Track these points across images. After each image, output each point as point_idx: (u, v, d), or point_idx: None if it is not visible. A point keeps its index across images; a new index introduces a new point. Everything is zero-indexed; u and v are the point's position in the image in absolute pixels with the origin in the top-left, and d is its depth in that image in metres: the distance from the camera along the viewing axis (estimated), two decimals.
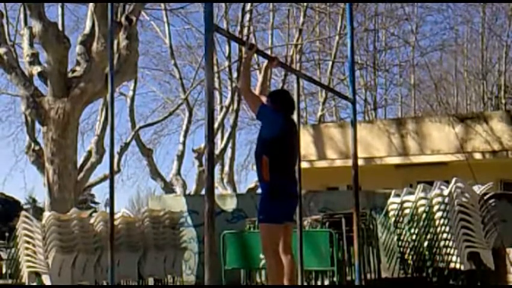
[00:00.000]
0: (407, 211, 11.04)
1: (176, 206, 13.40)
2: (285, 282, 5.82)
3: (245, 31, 22.06)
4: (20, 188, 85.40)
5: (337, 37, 24.43)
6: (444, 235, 10.08)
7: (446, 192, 10.19)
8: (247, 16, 22.20)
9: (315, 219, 10.87)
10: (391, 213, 11.55)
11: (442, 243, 10.14)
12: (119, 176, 24.37)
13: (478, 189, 10.53)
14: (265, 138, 5.89)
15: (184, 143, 22.70)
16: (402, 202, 11.19)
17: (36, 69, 14.67)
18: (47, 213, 11.41)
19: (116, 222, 10.87)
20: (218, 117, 21.79)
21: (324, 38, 26.56)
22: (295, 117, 6.37)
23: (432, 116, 21.65)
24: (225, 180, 23.56)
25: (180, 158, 22.45)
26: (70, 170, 13.83)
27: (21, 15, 17.21)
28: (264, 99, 6.10)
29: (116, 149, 20.19)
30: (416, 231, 10.75)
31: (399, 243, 11.32)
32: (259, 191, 25.78)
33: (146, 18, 23.56)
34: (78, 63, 14.26)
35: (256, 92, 6.22)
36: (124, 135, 24.14)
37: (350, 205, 7.44)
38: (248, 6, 21.98)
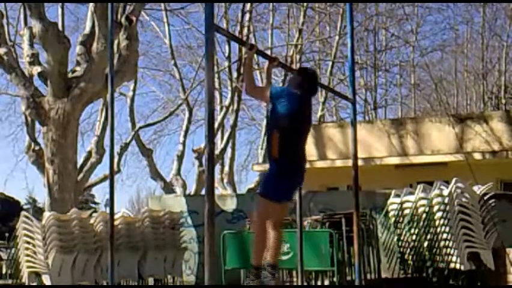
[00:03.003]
0: (407, 211, 11.05)
1: (177, 206, 13.40)
2: (268, 257, 5.71)
3: (245, 31, 22.06)
4: (20, 189, 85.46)
5: (337, 37, 24.43)
6: (444, 235, 10.08)
7: (446, 192, 10.19)
8: (247, 16, 22.20)
9: (315, 220, 10.88)
10: (391, 213, 11.55)
11: (442, 243, 10.14)
12: (119, 176, 24.41)
13: (478, 189, 10.53)
14: (277, 114, 5.78)
15: (184, 143, 22.71)
16: (402, 202, 11.19)
17: (36, 69, 14.67)
18: (47, 214, 11.41)
19: (116, 222, 10.87)
20: (218, 117, 21.79)
21: (324, 38, 26.55)
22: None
23: (432, 116, 21.64)
24: (225, 180, 23.56)
25: (180, 158, 22.45)
26: (70, 170, 13.83)
27: (21, 15, 17.23)
28: None
29: (116, 149, 20.19)
30: (416, 231, 10.75)
31: (399, 243, 11.33)
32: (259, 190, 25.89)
33: (146, 18, 23.58)
34: (78, 63, 14.27)
35: None
36: (124, 135, 24.17)
37: (350, 205, 7.44)
38: (248, 6, 21.97)
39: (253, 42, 21.36)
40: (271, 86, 5.98)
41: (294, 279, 11.16)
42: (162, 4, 22.02)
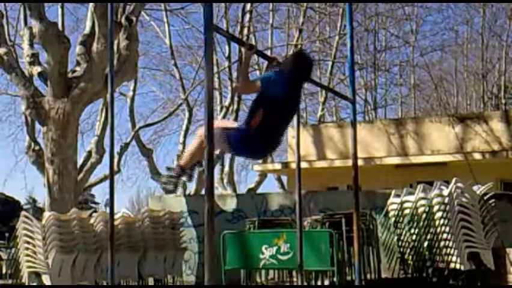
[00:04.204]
0: (407, 211, 11.05)
1: (177, 206, 13.39)
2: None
3: (245, 31, 22.06)
4: (20, 189, 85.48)
5: (337, 37, 24.44)
6: (445, 235, 10.07)
7: (446, 192, 10.19)
8: (247, 16, 22.20)
9: (315, 220, 10.87)
10: (391, 213, 11.55)
11: (442, 243, 10.14)
12: (119, 176, 24.41)
13: (478, 189, 10.53)
14: (267, 94, 5.65)
15: (184, 143, 22.70)
16: (402, 202, 11.19)
17: (36, 69, 14.68)
18: (47, 213, 11.41)
19: (116, 222, 10.88)
20: (218, 117, 21.78)
21: (324, 38, 26.56)
22: (295, 116, 6.34)
23: (432, 116, 21.65)
24: (225, 181, 23.57)
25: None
26: (70, 170, 13.83)
27: (21, 15, 17.22)
28: None
29: (116, 149, 20.20)
30: (416, 231, 10.75)
31: (399, 243, 11.33)
32: (259, 190, 25.84)
33: (146, 18, 23.59)
34: (78, 63, 14.27)
35: None
36: (124, 135, 24.19)
37: (350, 205, 7.44)
38: (248, 6, 21.98)
39: (253, 42, 21.42)
40: (261, 78, 5.90)
41: (294, 279, 11.16)
42: (162, 4, 22.04)
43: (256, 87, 5.74)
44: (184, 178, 5.89)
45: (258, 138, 5.66)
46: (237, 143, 5.68)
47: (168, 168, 6.05)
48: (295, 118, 6.34)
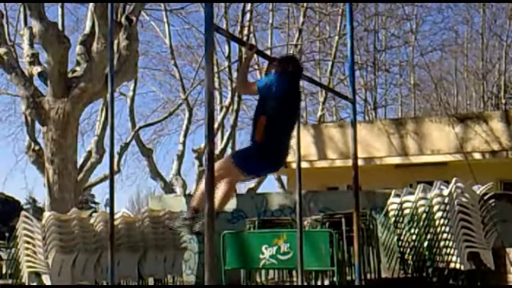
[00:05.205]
0: (407, 211, 11.05)
1: (177, 206, 13.40)
2: (220, 194, 5.66)
3: (245, 31, 22.05)
4: (20, 188, 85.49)
5: (337, 37, 24.43)
6: (445, 235, 10.08)
7: (446, 192, 10.19)
8: (247, 16, 22.19)
9: (315, 219, 10.88)
10: (391, 213, 11.55)
11: (442, 243, 10.14)
12: (119, 176, 24.41)
13: (478, 189, 10.53)
14: (265, 99, 5.70)
15: (184, 143, 22.71)
16: (402, 202, 11.20)
17: (36, 69, 14.67)
18: (47, 213, 11.41)
19: (116, 222, 10.88)
20: (218, 117, 21.79)
21: (324, 38, 26.55)
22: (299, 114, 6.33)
23: (432, 116, 21.64)
24: None
25: (180, 158, 22.45)
26: (70, 170, 13.83)
27: (21, 15, 17.22)
28: None
29: (116, 149, 20.20)
30: (416, 231, 10.76)
31: (399, 243, 11.33)
32: (259, 190, 25.84)
33: (146, 18, 23.58)
34: (78, 63, 14.26)
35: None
36: (124, 135, 24.16)
37: (350, 205, 7.44)
38: (248, 6, 21.97)
39: (253, 42, 21.41)
40: (258, 81, 5.92)
41: (294, 279, 11.16)
42: (162, 4, 22.03)
43: (254, 89, 5.76)
44: (198, 222, 5.65)
45: (268, 148, 5.64)
46: (251, 163, 5.67)
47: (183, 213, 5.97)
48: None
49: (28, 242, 11.03)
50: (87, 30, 14.63)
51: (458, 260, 9.90)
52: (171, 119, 26.47)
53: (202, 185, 5.82)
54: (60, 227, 10.97)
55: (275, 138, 5.65)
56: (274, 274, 11.88)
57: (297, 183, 6.72)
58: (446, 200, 10.10)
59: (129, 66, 14.14)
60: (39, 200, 39.11)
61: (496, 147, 17.28)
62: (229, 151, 23.70)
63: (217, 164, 5.82)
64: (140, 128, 22.77)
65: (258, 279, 11.84)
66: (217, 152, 20.88)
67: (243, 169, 5.66)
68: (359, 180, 6.90)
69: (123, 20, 13.86)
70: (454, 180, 10.21)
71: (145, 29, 24.71)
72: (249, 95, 6.19)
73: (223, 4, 22.26)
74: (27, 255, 11.01)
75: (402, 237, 11.22)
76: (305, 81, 7.11)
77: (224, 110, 22.59)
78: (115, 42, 13.60)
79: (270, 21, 24.16)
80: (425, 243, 10.47)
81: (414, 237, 10.79)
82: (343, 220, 10.13)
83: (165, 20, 23.11)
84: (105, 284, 11.13)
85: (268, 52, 20.04)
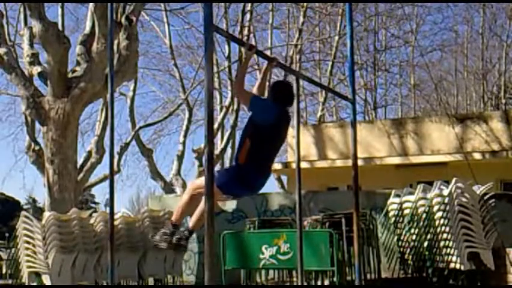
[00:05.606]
0: (407, 211, 11.05)
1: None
2: (191, 223, 5.82)
3: (245, 31, 22.06)
4: (20, 188, 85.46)
5: (337, 37, 24.44)
6: (445, 235, 10.07)
7: (446, 192, 10.19)
8: (247, 16, 22.20)
9: (315, 219, 10.87)
10: (391, 213, 11.55)
11: (442, 243, 10.14)
12: (119, 176, 24.41)
13: (478, 189, 10.53)
14: (253, 123, 5.80)
15: (184, 143, 22.71)
16: (402, 202, 11.20)
17: (36, 69, 14.67)
18: (47, 213, 11.41)
19: (116, 222, 10.88)
20: (218, 117, 21.80)
21: (324, 38, 26.56)
22: (295, 117, 6.35)
23: (432, 116, 21.64)
24: None
25: (180, 158, 22.46)
26: (70, 170, 13.83)
27: (21, 15, 17.23)
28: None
29: (116, 149, 20.20)
30: (416, 231, 10.75)
31: (399, 243, 11.33)
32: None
33: (146, 18, 23.58)
34: (78, 63, 14.26)
35: (254, 90, 6.20)
36: (124, 135, 24.21)
37: (350, 205, 7.43)
38: (248, 6, 21.97)
39: (253, 42, 21.41)
40: (252, 97, 5.94)
41: (294, 279, 11.16)
42: (162, 4, 22.03)
43: (247, 99, 5.80)
44: (176, 237, 5.85)
45: (248, 171, 5.71)
46: (230, 184, 5.72)
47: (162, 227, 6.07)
48: (295, 118, 6.35)
49: (28, 242, 11.03)
50: (87, 30, 14.63)
51: (458, 260, 9.90)
52: (171, 119, 26.52)
53: (181, 201, 5.91)
54: (60, 227, 10.96)
55: (256, 163, 5.73)
56: (274, 274, 11.87)
57: (297, 183, 6.71)
58: (446, 200, 10.10)
59: (129, 66, 14.14)
60: (39, 200, 39.14)
61: (496, 147, 17.29)
62: (229, 151, 23.73)
63: (198, 181, 5.92)
64: (140, 128, 22.77)
65: (258, 279, 11.84)
66: (217, 152, 20.89)
67: (221, 188, 5.68)
68: (359, 181, 6.89)
69: (123, 20, 13.86)
70: (453, 180, 10.21)
71: (145, 29, 24.75)
72: (240, 100, 6.23)
73: (223, 4, 22.27)
74: (27, 255, 11.01)
75: (402, 237, 11.22)
76: (305, 81, 7.11)
77: (224, 110, 22.60)
78: (115, 42, 13.60)
79: (270, 21, 24.17)
80: (425, 243, 10.47)
81: (414, 237, 10.79)
82: (343, 220, 10.12)
83: (165, 20, 23.13)
84: (105, 284, 11.13)
85: (268, 52, 20.03)
